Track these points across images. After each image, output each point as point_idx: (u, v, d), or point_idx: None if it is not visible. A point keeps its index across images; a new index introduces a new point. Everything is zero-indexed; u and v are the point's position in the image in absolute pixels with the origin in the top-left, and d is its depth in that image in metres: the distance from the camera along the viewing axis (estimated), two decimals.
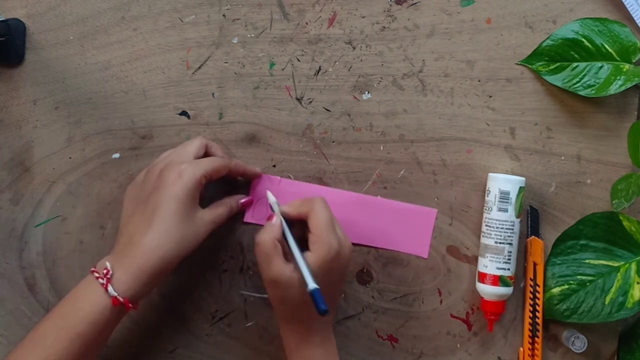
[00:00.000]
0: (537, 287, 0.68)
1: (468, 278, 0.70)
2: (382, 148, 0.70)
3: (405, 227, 0.69)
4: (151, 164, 0.65)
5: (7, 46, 0.70)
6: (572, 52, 0.68)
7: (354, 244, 0.66)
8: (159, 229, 0.58)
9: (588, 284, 0.67)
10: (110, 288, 0.57)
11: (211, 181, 0.62)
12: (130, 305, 0.58)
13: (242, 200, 0.68)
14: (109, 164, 0.71)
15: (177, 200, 0.59)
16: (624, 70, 0.67)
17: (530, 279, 0.69)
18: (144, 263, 0.58)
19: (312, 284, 0.57)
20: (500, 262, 0.67)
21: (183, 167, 0.60)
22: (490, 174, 0.68)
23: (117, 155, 0.71)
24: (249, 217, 0.70)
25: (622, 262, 0.67)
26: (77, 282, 0.73)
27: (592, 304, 0.66)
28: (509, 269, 0.67)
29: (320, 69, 0.70)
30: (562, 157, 0.69)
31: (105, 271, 0.58)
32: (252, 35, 0.71)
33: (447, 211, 0.70)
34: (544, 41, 0.69)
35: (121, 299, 0.57)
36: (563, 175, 0.69)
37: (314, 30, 0.70)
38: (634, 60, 0.67)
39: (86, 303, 0.58)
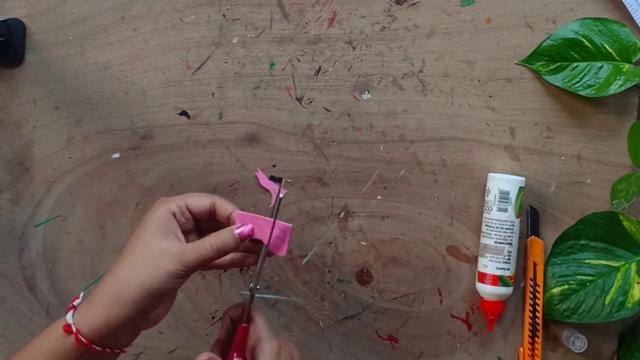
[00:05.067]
0: (537, 287, 0.68)
1: (468, 278, 0.70)
2: (382, 148, 0.70)
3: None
4: None
5: (7, 46, 0.70)
6: (572, 52, 0.68)
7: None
8: (119, 263, 0.55)
9: (588, 284, 0.67)
10: (69, 314, 0.54)
11: (196, 216, 0.59)
12: (82, 339, 0.52)
13: (238, 230, 0.57)
14: (109, 164, 0.71)
15: (139, 232, 0.56)
16: (624, 70, 0.67)
17: (530, 279, 0.69)
18: (100, 295, 0.54)
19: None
20: (500, 262, 0.67)
21: (157, 200, 0.58)
22: (490, 174, 0.68)
23: (117, 155, 0.71)
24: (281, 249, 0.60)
25: (622, 262, 0.67)
26: (77, 282, 0.73)
27: (592, 304, 0.66)
28: (508, 269, 0.67)
29: (320, 69, 0.70)
30: (562, 157, 0.69)
31: (74, 298, 0.56)
32: (252, 35, 0.71)
33: (447, 211, 0.70)
34: (544, 41, 0.69)
35: (74, 329, 0.52)
36: (563, 175, 0.69)
37: (314, 30, 0.70)
38: (634, 60, 0.67)
39: (48, 329, 0.55)
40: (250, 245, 0.60)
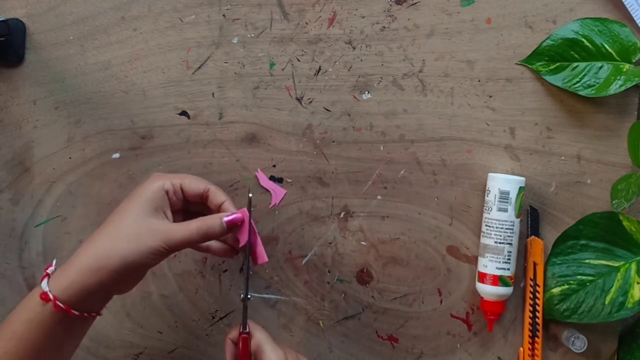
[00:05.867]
0: (537, 287, 0.68)
1: (468, 278, 0.70)
2: (382, 148, 0.70)
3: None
4: None
5: (7, 46, 0.70)
6: (572, 52, 0.68)
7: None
8: (103, 229, 0.56)
9: (588, 284, 0.67)
10: (44, 282, 0.54)
11: (188, 198, 0.60)
12: (59, 304, 0.53)
13: (227, 218, 0.58)
14: (109, 164, 0.71)
15: (130, 202, 0.56)
16: (624, 70, 0.67)
17: (530, 279, 0.69)
18: (79, 261, 0.54)
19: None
20: (500, 262, 0.67)
21: (153, 175, 0.59)
22: (490, 174, 0.68)
23: (117, 155, 0.71)
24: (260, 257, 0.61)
25: (622, 262, 0.67)
26: None
27: (592, 304, 0.66)
28: (508, 269, 0.67)
29: (320, 69, 0.70)
30: (562, 157, 0.69)
31: (47, 266, 0.56)
32: (252, 35, 0.71)
33: (447, 211, 0.70)
34: (544, 41, 0.69)
35: (50, 296, 0.53)
36: (563, 175, 0.69)
37: (314, 30, 0.70)
38: (634, 60, 0.67)
39: (24, 300, 0.55)
40: (232, 241, 0.61)
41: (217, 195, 0.60)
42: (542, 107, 0.69)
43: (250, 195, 0.61)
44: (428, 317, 0.70)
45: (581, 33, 0.68)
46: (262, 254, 0.61)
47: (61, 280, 0.54)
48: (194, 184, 0.60)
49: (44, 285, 0.54)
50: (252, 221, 0.60)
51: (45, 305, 0.53)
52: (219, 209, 0.60)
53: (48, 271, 0.56)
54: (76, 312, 0.54)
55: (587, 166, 0.69)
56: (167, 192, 0.58)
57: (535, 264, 0.69)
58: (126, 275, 0.55)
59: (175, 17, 0.71)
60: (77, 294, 0.54)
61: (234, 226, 0.58)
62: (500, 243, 0.67)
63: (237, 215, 0.58)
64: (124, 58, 0.71)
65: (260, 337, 0.59)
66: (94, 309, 0.57)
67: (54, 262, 0.57)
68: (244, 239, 0.60)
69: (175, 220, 0.59)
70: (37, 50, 0.71)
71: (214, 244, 0.62)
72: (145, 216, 0.56)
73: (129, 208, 0.56)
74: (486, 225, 0.68)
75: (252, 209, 0.70)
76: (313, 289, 0.71)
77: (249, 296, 0.61)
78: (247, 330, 0.60)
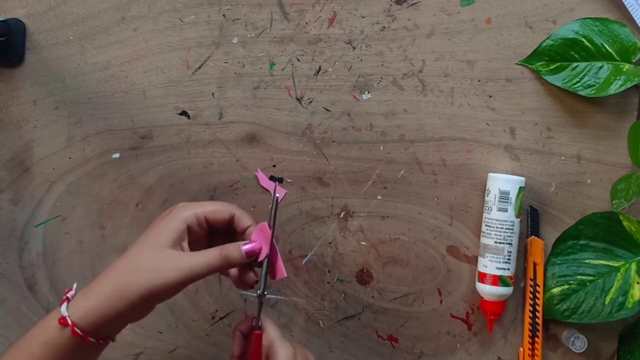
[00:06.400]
0: (537, 287, 0.68)
1: (468, 278, 0.70)
2: (382, 148, 0.70)
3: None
4: None
5: (7, 46, 0.70)
6: (572, 52, 0.68)
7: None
8: (124, 259, 0.56)
9: (588, 284, 0.67)
10: (63, 306, 0.54)
11: (213, 226, 0.60)
12: (78, 331, 0.53)
13: (246, 247, 0.58)
14: (109, 164, 0.71)
15: (151, 234, 0.56)
16: (624, 70, 0.67)
17: (530, 279, 0.69)
18: (99, 288, 0.55)
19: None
20: (500, 262, 0.67)
21: (178, 205, 0.59)
22: (490, 174, 0.68)
23: (117, 155, 0.71)
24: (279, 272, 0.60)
25: (622, 262, 0.67)
26: (77, 282, 0.73)
27: (592, 304, 0.66)
28: (508, 269, 0.67)
29: (320, 69, 0.70)
30: (562, 157, 0.69)
31: (67, 290, 0.56)
32: (252, 35, 0.71)
33: (447, 211, 0.70)
34: (544, 41, 0.69)
35: (69, 321, 0.53)
36: (563, 175, 0.69)
37: (314, 30, 0.70)
38: (634, 60, 0.67)
39: (42, 321, 0.55)
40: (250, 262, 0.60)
41: (242, 221, 0.60)
42: (542, 107, 0.69)
43: (271, 205, 0.61)
44: (428, 317, 0.70)
45: (581, 33, 0.68)
46: (281, 269, 0.60)
47: (80, 306, 0.54)
48: (218, 213, 0.59)
49: (63, 309, 0.54)
50: (273, 236, 0.60)
51: (63, 330, 0.53)
52: (244, 233, 0.60)
53: (68, 295, 0.56)
54: (92, 339, 0.54)
55: (587, 166, 0.69)
56: (189, 226, 0.58)
57: (535, 264, 0.69)
58: (144, 306, 0.55)
59: (175, 17, 0.71)
60: (94, 321, 0.54)
61: (253, 254, 0.58)
62: (500, 243, 0.67)
63: (255, 245, 0.58)
64: (124, 58, 0.71)
65: (271, 332, 0.59)
66: (109, 335, 0.57)
67: (74, 286, 0.56)
68: (265, 248, 0.59)
69: (199, 247, 0.59)
70: (37, 50, 0.71)
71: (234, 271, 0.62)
72: (165, 249, 0.56)
73: (149, 240, 0.56)
74: (486, 225, 0.68)
75: (252, 209, 0.70)
76: (313, 289, 0.71)
77: (265, 292, 0.60)
78: (260, 324, 0.60)
